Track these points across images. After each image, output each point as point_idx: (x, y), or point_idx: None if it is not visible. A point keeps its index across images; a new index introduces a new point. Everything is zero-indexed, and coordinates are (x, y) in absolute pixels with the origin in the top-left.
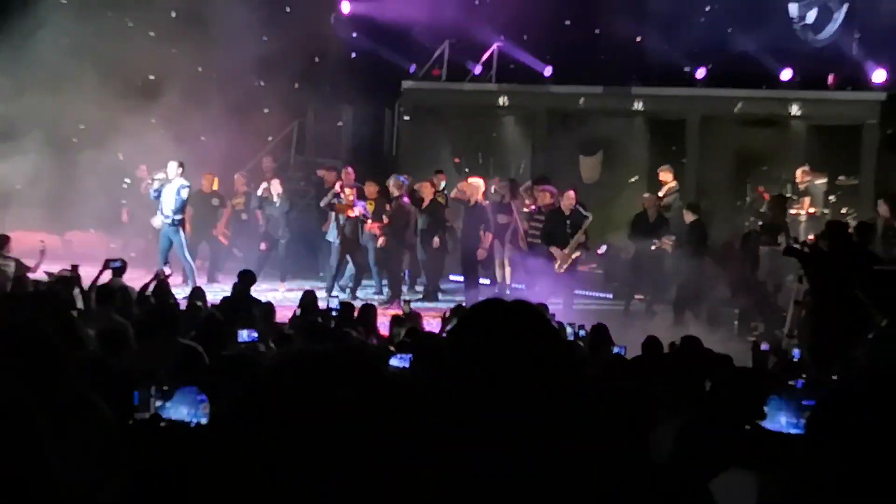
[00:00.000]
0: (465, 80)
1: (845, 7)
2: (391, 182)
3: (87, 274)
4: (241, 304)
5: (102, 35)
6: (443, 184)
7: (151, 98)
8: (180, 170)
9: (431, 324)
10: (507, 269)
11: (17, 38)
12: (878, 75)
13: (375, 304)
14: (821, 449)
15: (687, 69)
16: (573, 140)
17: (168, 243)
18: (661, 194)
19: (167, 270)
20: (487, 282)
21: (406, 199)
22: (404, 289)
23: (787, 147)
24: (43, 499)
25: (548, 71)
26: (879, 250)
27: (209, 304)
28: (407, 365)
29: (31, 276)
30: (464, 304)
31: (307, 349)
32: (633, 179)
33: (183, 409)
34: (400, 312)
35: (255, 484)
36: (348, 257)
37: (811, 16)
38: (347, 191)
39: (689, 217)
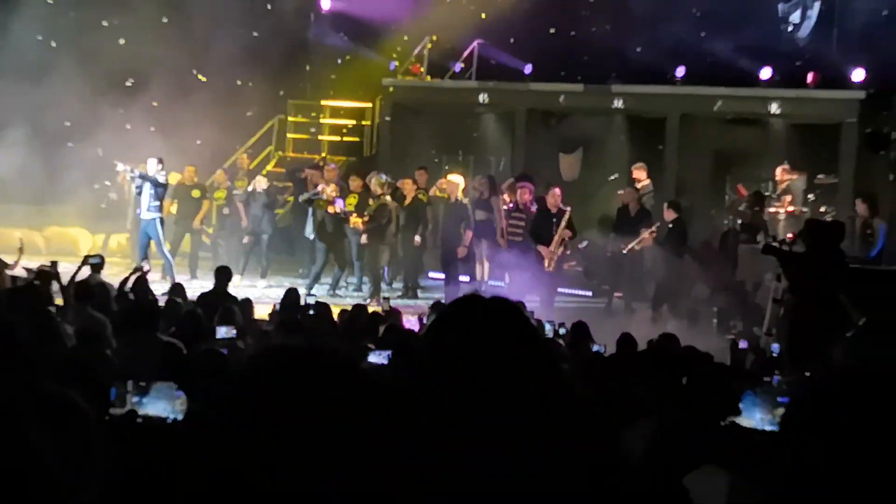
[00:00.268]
0: (446, 78)
1: (818, 4)
2: (372, 180)
3: (68, 270)
4: (220, 301)
5: (85, 31)
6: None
7: (132, 94)
8: (160, 166)
9: (411, 321)
10: (486, 266)
11: None
12: (857, 74)
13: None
14: (794, 446)
15: (667, 68)
16: (553, 138)
17: (147, 239)
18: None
19: (146, 266)
20: (467, 279)
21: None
22: (383, 286)
23: (766, 145)
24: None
25: (528, 69)
26: (857, 249)
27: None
28: (385, 362)
29: (9, 272)
30: (443, 301)
31: (283, 345)
32: (612, 177)
33: (159, 405)
34: (379, 310)
35: (231, 481)
36: (325, 253)
37: (796, 16)
38: (329, 187)
39: (670, 215)
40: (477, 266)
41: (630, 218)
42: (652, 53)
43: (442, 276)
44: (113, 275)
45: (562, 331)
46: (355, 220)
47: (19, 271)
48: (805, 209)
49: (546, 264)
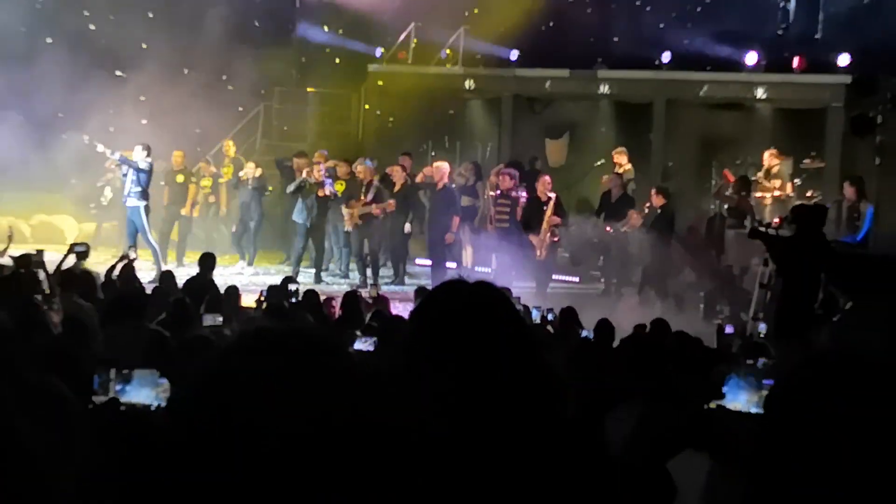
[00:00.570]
0: (432, 65)
1: None
2: (358, 167)
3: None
4: (206, 288)
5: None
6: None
7: (121, 82)
8: (145, 153)
9: (398, 307)
10: (469, 251)
11: None
12: (843, 59)
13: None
14: (777, 429)
15: (653, 53)
16: (539, 123)
17: (133, 227)
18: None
19: (132, 254)
20: (454, 265)
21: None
22: (369, 272)
23: (752, 130)
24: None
25: (514, 55)
26: (844, 232)
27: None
28: (371, 348)
29: None
30: (428, 287)
31: (265, 328)
32: (599, 163)
33: (142, 393)
34: (369, 295)
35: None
36: (311, 239)
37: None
38: (316, 170)
39: (658, 201)
40: (463, 252)
41: (612, 204)
42: (638, 39)
43: (429, 262)
44: (99, 262)
45: (550, 317)
46: (353, 211)
47: (6, 260)
48: (791, 194)
49: (537, 253)
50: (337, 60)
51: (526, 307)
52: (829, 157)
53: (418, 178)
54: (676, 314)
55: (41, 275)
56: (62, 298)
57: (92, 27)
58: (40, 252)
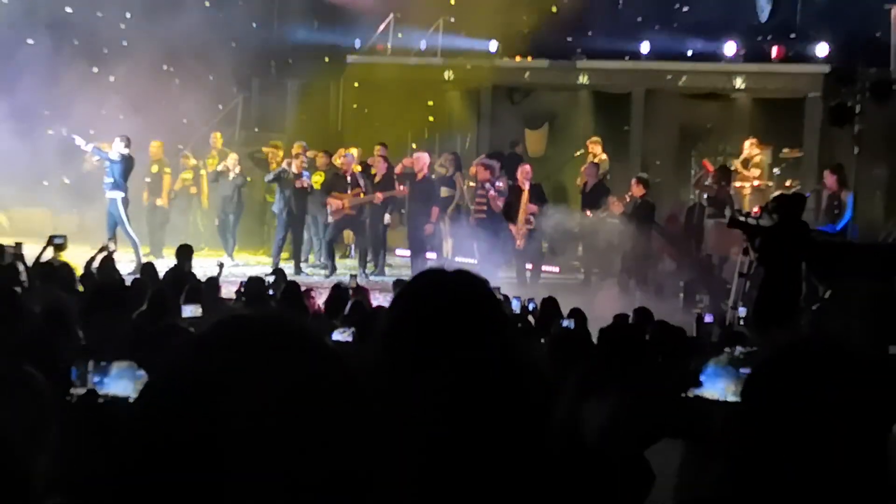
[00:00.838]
0: (411, 55)
1: None
2: (339, 158)
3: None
4: (184, 280)
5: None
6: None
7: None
8: (123, 144)
9: (378, 298)
10: (450, 242)
11: None
12: (821, 49)
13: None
14: (753, 416)
15: (631, 43)
16: (518, 114)
17: (112, 219)
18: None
19: (111, 246)
20: (434, 255)
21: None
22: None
23: (731, 120)
24: None
25: (493, 45)
26: (823, 221)
27: None
28: (350, 339)
29: None
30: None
31: (241, 315)
32: (578, 153)
33: (120, 385)
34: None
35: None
36: (290, 230)
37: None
38: (296, 162)
39: (638, 191)
40: (443, 242)
41: (586, 193)
42: (616, 29)
43: (408, 252)
44: (78, 255)
45: (531, 306)
46: (344, 202)
47: None
48: (770, 183)
49: (517, 243)
50: (315, 52)
51: (506, 297)
52: (807, 147)
53: (397, 169)
54: (656, 303)
55: (20, 267)
56: (41, 290)
57: (69, 10)
58: (19, 244)
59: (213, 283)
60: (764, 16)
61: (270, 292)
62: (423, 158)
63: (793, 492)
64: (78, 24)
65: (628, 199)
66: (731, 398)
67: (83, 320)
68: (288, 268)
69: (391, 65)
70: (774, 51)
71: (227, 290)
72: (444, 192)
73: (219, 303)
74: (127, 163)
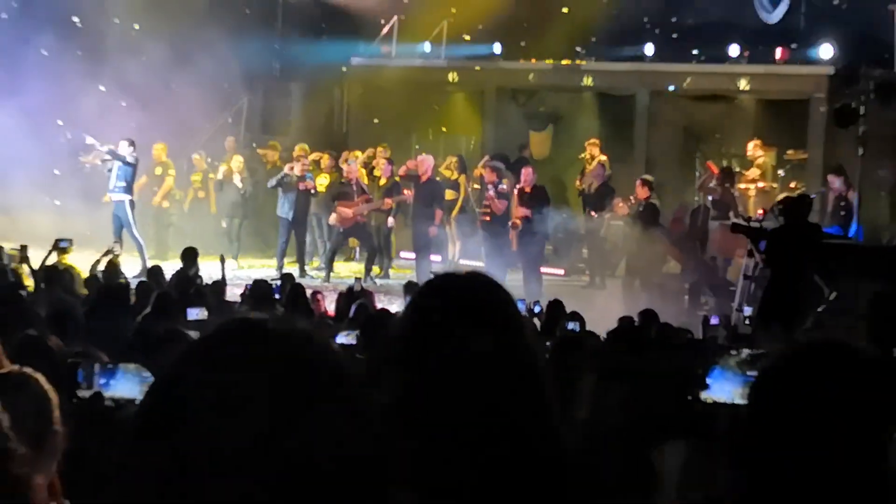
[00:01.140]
0: (415, 57)
1: None
2: (345, 166)
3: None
4: (189, 283)
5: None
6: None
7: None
8: (131, 148)
9: (383, 301)
10: (457, 245)
11: None
12: (826, 50)
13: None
14: (760, 419)
15: (636, 44)
16: (523, 116)
17: (118, 222)
18: (590, 167)
19: (117, 249)
20: (439, 258)
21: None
22: (353, 265)
23: (735, 121)
24: None
25: (497, 47)
26: (830, 223)
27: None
28: (353, 342)
29: None
30: (414, 281)
31: (245, 318)
32: (582, 155)
33: (126, 387)
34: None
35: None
36: (293, 233)
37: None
38: (298, 166)
39: (642, 193)
40: (448, 245)
41: (591, 194)
42: (621, 30)
43: (413, 255)
44: (85, 258)
45: (536, 309)
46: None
47: None
48: (775, 185)
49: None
50: (320, 53)
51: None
52: (811, 149)
53: (401, 171)
54: (661, 305)
55: (25, 270)
56: (48, 294)
57: (76, 19)
58: (24, 247)
59: (219, 286)
60: (773, 18)
61: (277, 296)
62: (427, 161)
63: (799, 493)
64: (85, 28)
65: (633, 201)
66: (738, 401)
67: (87, 323)
68: (293, 271)
69: (395, 67)
70: (779, 52)
71: (233, 294)
72: (448, 194)
73: (224, 305)
74: (136, 165)
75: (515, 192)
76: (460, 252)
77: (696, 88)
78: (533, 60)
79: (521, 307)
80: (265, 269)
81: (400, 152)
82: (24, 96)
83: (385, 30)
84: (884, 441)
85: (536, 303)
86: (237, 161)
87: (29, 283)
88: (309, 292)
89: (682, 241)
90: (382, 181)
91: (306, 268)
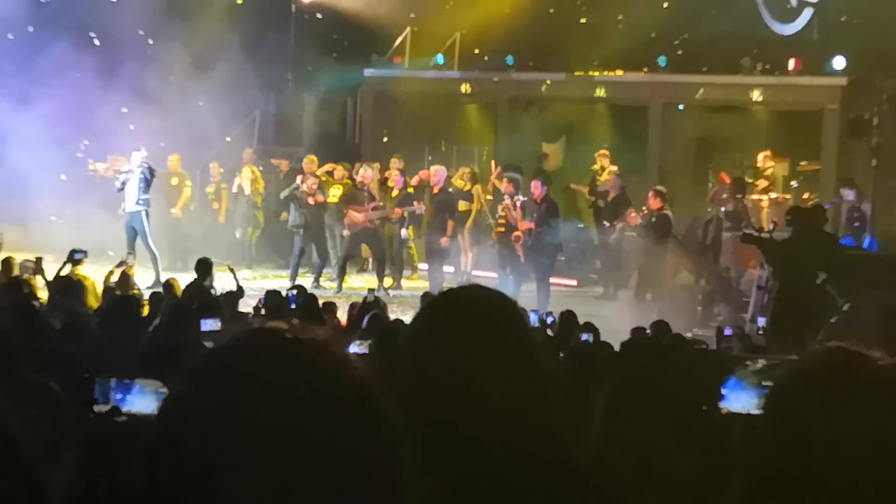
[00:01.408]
0: (428, 68)
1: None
2: (361, 172)
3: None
4: (203, 294)
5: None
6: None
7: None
8: (145, 157)
9: (396, 311)
10: (470, 256)
11: None
12: (839, 61)
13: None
14: (776, 428)
15: (649, 56)
16: (535, 127)
17: (133, 233)
18: (601, 178)
19: (130, 260)
20: (451, 269)
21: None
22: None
23: (748, 133)
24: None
25: (510, 59)
26: (844, 234)
27: None
28: (366, 352)
29: None
30: (429, 292)
31: (258, 327)
32: (595, 166)
33: (143, 402)
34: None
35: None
36: (313, 245)
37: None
38: (309, 180)
39: (655, 204)
40: (461, 256)
41: (608, 203)
42: (634, 41)
43: (425, 266)
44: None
45: (549, 320)
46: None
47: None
48: (788, 196)
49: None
50: (333, 65)
51: (523, 310)
52: (825, 160)
53: (413, 182)
54: (674, 316)
55: (40, 281)
56: (62, 305)
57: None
58: (39, 259)
59: (233, 296)
60: (787, 30)
61: (293, 306)
62: (440, 172)
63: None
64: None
65: (645, 212)
66: (755, 411)
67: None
68: (305, 282)
69: (408, 79)
70: (792, 63)
71: (247, 305)
72: (462, 205)
73: (238, 316)
74: (152, 175)
75: (519, 204)
76: (473, 263)
77: (709, 100)
78: (546, 72)
79: (534, 318)
80: (278, 280)
81: (413, 163)
82: (40, 107)
83: (398, 42)
84: None
85: (549, 314)
86: (246, 171)
87: (42, 294)
88: (321, 303)
89: (696, 251)
90: (395, 192)
91: (320, 279)
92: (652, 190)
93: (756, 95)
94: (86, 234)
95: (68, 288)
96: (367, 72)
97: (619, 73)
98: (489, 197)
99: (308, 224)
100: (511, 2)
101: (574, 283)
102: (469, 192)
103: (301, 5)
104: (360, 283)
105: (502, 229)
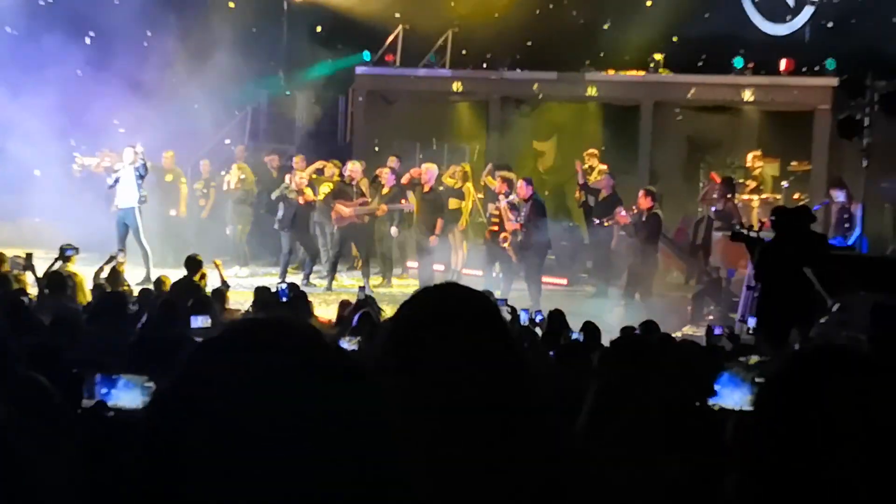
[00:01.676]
0: (419, 67)
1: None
2: (350, 167)
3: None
4: (192, 290)
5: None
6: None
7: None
8: (138, 154)
9: (386, 310)
10: (461, 254)
11: None
12: (830, 61)
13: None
14: (767, 424)
15: (641, 55)
16: (527, 126)
17: (125, 228)
18: (591, 177)
19: (120, 257)
20: (442, 268)
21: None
22: (357, 274)
23: (739, 133)
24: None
25: (502, 58)
26: (833, 234)
27: None
28: (355, 348)
29: None
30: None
31: (253, 319)
32: (586, 165)
33: (128, 396)
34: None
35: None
36: (296, 243)
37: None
38: (297, 177)
39: (645, 203)
40: (452, 254)
41: (599, 202)
42: (626, 41)
43: (416, 264)
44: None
45: (538, 318)
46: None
47: None
48: (778, 196)
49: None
50: (324, 62)
51: (514, 309)
52: (816, 160)
53: (404, 180)
54: (664, 316)
55: (30, 277)
56: (52, 301)
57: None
58: (29, 255)
59: (221, 293)
60: (780, 30)
61: (283, 300)
62: (431, 171)
63: (806, 500)
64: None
65: (635, 211)
66: (747, 407)
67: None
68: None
69: (399, 76)
70: (783, 63)
71: (237, 303)
72: (452, 203)
73: (228, 313)
74: (147, 171)
75: (505, 203)
76: (463, 261)
77: (700, 99)
78: (537, 70)
79: (525, 317)
80: (269, 278)
81: (404, 161)
82: (31, 101)
83: (390, 39)
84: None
85: (538, 312)
86: (234, 169)
87: (32, 290)
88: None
89: (686, 251)
90: (385, 190)
91: (310, 276)
92: (642, 189)
93: (747, 95)
94: (76, 231)
95: (58, 284)
96: (359, 69)
97: (611, 72)
98: (480, 195)
99: (294, 223)
100: (503, 0)
101: (564, 281)
102: (460, 190)
103: (293, 3)
104: (351, 280)
105: (495, 228)
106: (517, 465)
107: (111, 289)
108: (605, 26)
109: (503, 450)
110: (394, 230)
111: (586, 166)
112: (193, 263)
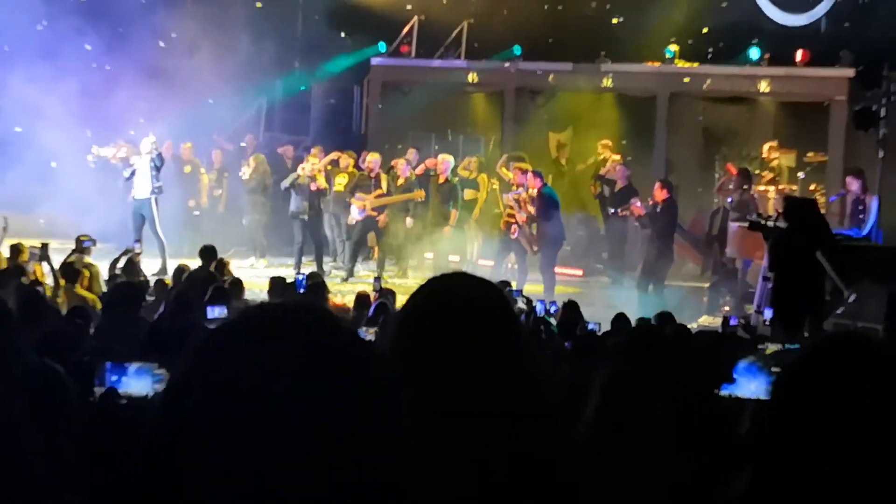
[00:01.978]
0: (434, 57)
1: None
2: (368, 159)
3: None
4: (208, 281)
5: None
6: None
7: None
8: (154, 144)
9: (402, 300)
10: (476, 245)
11: None
12: (846, 53)
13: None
14: (784, 413)
15: (656, 46)
16: (542, 117)
17: (141, 219)
18: (604, 169)
19: (137, 248)
20: (457, 258)
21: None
22: (372, 265)
23: (755, 124)
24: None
25: (517, 48)
26: (848, 225)
27: None
28: (373, 339)
29: None
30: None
31: (268, 303)
32: (600, 156)
33: (139, 384)
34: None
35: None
36: (309, 233)
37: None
38: (308, 165)
39: (661, 194)
40: (467, 245)
41: (615, 193)
42: (641, 31)
43: (431, 255)
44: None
45: (553, 309)
46: (366, 203)
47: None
48: (794, 187)
49: (530, 249)
50: (340, 53)
51: (529, 300)
52: (832, 151)
53: (418, 171)
54: (679, 307)
55: (46, 267)
56: (66, 290)
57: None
58: (45, 245)
59: (238, 284)
60: (796, 21)
61: (301, 290)
62: (447, 162)
63: (823, 490)
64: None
65: (650, 203)
66: (764, 396)
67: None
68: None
69: (415, 67)
70: (799, 54)
71: (253, 293)
72: (468, 193)
73: (243, 304)
74: (163, 161)
75: (521, 195)
76: (479, 252)
77: (716, 90)
78: (553, 61)
79: (540, 307)
80: (289, 269)
81: (419, 152)
82: (49, 93)
83: (405, 30)
84: None
85: (553, 303)
86: (251, 160)
87: (48, 281)
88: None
89: (701, 242)
90: (401, 181)
91: (326, 266)
92: (658, 180)
93: (763, 87)
94: (92, 221)
95: (73, 274)
96: (374, 60)
97: (627, 63)
98: (495, 186)
99: (308, 212)
100: None
101: (580, 272)
102: (475, 181)
103: None
104: (367, 271)
105: (512, 219)
106: (517, 471)
107: (127, 279)
108: (621, 17)
109: (503, 455)
110: (409, 221)
111: (601, 157)
112: (208, 253)
